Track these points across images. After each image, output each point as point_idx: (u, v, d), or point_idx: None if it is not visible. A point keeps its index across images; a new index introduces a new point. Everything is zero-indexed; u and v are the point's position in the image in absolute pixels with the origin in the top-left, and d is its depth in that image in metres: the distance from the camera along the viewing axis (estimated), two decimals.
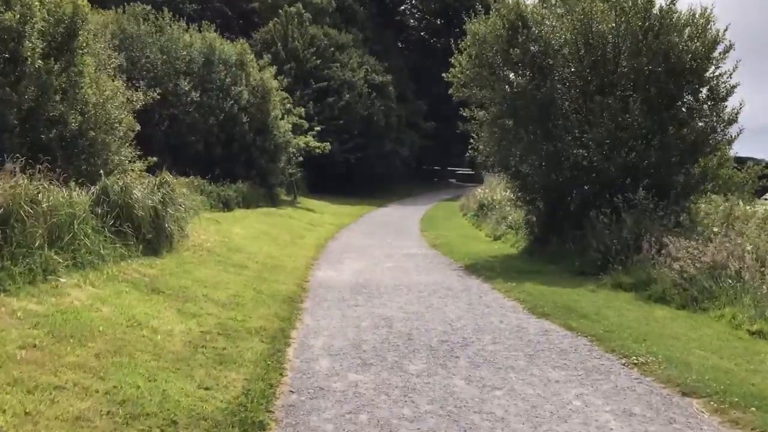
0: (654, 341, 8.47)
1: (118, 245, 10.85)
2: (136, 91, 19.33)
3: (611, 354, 7.99)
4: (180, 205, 14.09)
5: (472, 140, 18.98)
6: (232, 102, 27.67)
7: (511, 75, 17.49)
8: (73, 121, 14.04)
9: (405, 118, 46.16)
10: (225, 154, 27.75)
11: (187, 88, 26.15)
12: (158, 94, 25.48)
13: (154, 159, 18.06)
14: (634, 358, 7.70)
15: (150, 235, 11.82)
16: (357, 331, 9.15)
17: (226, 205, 24.89)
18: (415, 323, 9.61)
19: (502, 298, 11.70)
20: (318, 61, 40.87)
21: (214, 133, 27.06)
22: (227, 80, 27.95)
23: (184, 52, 26.97)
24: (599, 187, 16.47)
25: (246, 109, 28.61)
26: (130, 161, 16.50)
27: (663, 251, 12.57)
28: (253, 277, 12.70)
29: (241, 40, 31.63)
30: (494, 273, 14.32)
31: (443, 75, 19.06)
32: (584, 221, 16.03)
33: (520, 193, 18.35)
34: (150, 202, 12.27)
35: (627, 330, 9.10)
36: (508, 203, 24.07)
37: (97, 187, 11.41)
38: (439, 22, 56.59)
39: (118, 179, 11.75)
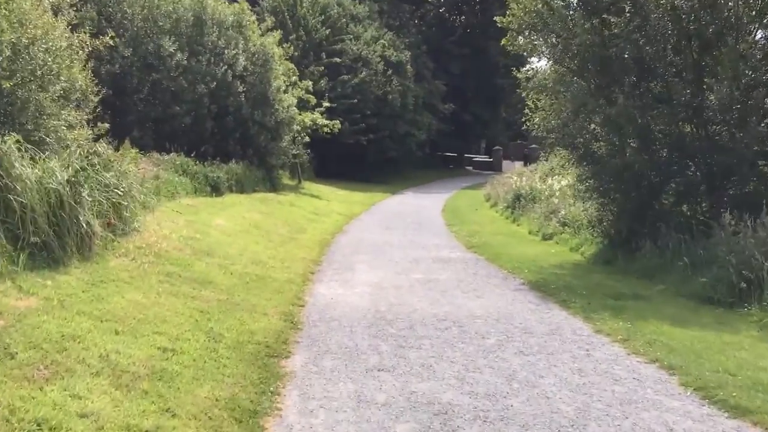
0: None
1: None
2: (96, 39, 14.56)
3: None
4: (117, 189, 9.19)
5: (527, 111, 14.02)
6: (226, 68, 22.70)
7: (571, 17, 12.47)
8: None
9: (422, 98, 41.05)
10: (217, 129, 22.85)
11: (171, 49, 21.20)
12: (138, 58, 20.92)
13: (106, 125, 13.11)
14: None
15: (38, 238, 6.92)
16: None
17: (215, 189, 20.01)
18: (500, 429, 4.72)
19: (624, 354, 6.73)
20: (328, 32, 35.78)
21: (204, 104, 22.12)
22: (221, 43, 23.00)
23: (170, 8, 22.05)
24: (713, 173, 11.55)
25: (243, 78, 23.67)
26: (69, 127, 11.60)
27: None
28: (217, 304, 7.81)
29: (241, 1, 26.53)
30: (578, 297, 9.38)
31: (495, 19, 14.03)
32: (691, 222, 11.17)
33: (590, 181, 13.36)
34: (52, 183, 7.39)
35: None
36: (557, 193, 19.11)
37: None
38: None
39: None
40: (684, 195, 11.97)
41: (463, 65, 47.48)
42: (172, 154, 19.25)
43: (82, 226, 7.62)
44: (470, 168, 54.90)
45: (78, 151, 8.85)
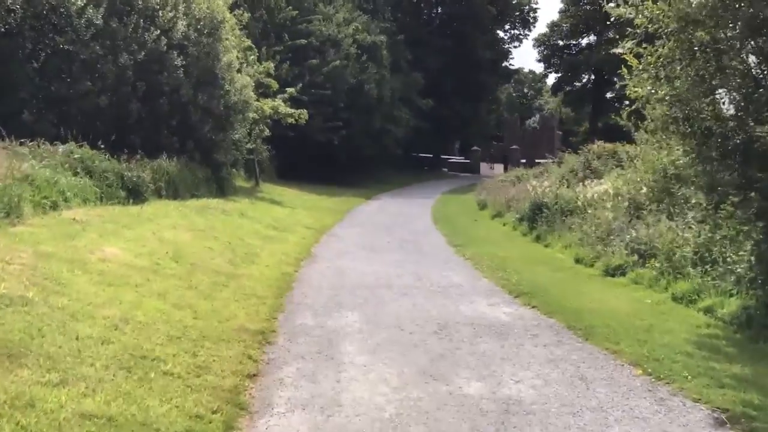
0: None
1: None
2: None
3: None
4: None
5: (623, 72, 8.15)
6: (159, 33, 16.41)
7: None
8: None
9: (399, 91, 35.01)
10: (145, 114, 16.52)
11: (80, 3, 14.90)
12: (32, 14, 14.67)
13: None
14: None
15: None
16: None
17: (135, 194, 13.78)
18: None
19: None
20: (295, 12, 29.54)
21: (127, 80, 15.84)
22: (154, 2, 16.71)
23: None
24: None
25: (183, 49, 17.39)
26: None
27: None
28: None
29: None
30: None
31: None
32: None
33: (738, 187, 7.49)
34: None
35: None
36: (609, 205, 13.29)
37: None
38: None
39: None
40: None
41: (443, 58, 41.57)
42: (68, 144, 12.99)
43: None
44: (445, 170, 49.06)
45: None
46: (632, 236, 11.09)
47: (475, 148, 49.12)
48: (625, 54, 7.97)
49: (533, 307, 8.25)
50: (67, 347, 4.92)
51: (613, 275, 10.70)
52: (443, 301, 8.54)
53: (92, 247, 8.42)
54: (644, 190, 10.99)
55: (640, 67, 7.89)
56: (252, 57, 22.28)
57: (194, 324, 6.44)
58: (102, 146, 13.59)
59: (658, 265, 9.87)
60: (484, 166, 48.84)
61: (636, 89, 8.03)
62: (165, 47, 16.57)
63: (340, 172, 31.47)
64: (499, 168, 46.24)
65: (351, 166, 32.53)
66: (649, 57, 7.74)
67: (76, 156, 12.78)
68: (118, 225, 10.37)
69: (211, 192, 17.65)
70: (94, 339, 5.24)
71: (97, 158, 13.25)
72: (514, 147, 47.02)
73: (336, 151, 30.29)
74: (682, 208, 10.46)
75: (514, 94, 68.00)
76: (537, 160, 40.64)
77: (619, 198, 13.50)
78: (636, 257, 10.59)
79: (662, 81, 7.75)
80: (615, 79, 46.40)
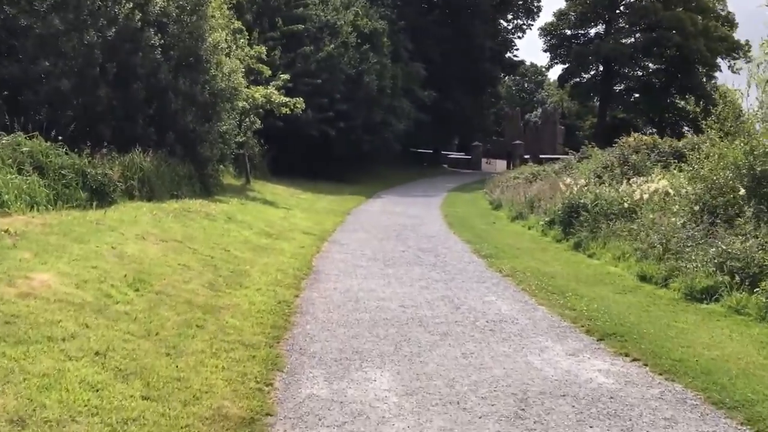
0: None
1: None
2: None
3: None
4: None
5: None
6: (132, 7, 13.88)
7: None
8: None
9: (399, 81, 32.49)
10: (117, 102, 14.00)
11: None
12: None
13: None
14: None
15: None
16: None
17: (100, 195, 11.26)
18: None
19: None
20: None
21: (94, 61, 13.35)
22: None
23: None
24: None
25: (162, 27, 14.89)
26: None
27: None
28: None
29: None
30: None
31: None
32: None
33: None
34: None
35: None
36: (675, 209, 10.87)
37: None
38: None
39: None
40: None
41: (443, 48, 39.01)
42: (14, 134, 10.48)
43: None
44: (445, 166, 46.56)
45: None
46: (720, 249, 8.68)
47: (476, 143, 46.66)
48: None
49: (634, 359, 5.81)
50: None
51: (700, 300, 8.30)
52: (502, 348, 6.11)
53: (15, 274, 5.97)
54: (742, 191, 8.59)
55: None
56: (242, 40, 19.73)
57: (141, 413, 3.98)
58: (60, 138, 11.07)
59: None
60: (483, 162, 46.53)
61: None
62: (140, 24, 14.08)
63: (337, 169, 29.04)
64: (500, 164, 43.93)
65: (348, 162, 30.09)
66: None
67: (24, 149, 10.28)
68: (66, 237, 7.90)
69: (195, 191, 15.13)
70: None
71: (52, 152, 10.74)
72: (517, 142, 44.61)
73: (333, 146, 27.80)
74: None
75: (513, 88, 65.53)
76: (542, 156, 38.40)
77: (677, 198, 11.14)
78: (735, 277, 8.17)
79: None
80: (625, 70, 44.28)
